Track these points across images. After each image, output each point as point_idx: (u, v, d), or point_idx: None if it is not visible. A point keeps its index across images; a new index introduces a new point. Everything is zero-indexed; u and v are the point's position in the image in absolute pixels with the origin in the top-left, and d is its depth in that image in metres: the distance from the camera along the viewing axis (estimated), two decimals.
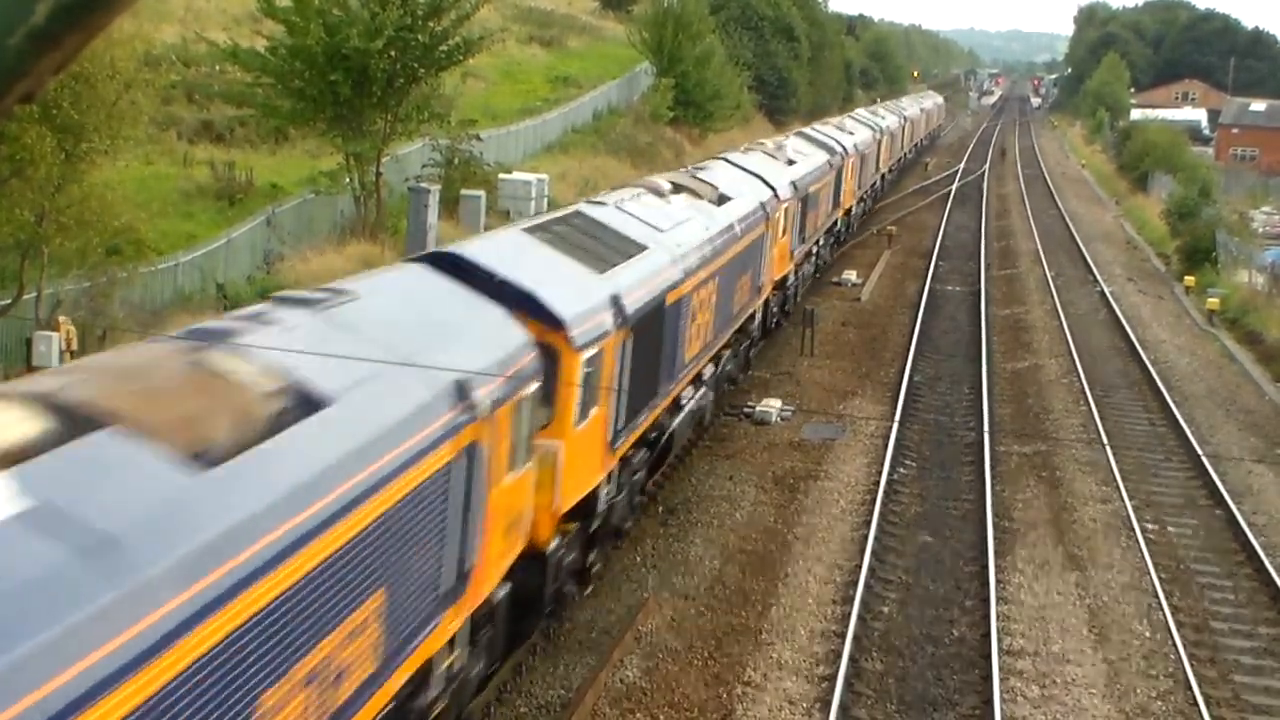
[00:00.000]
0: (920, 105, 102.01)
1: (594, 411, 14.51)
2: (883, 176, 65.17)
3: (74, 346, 22.20)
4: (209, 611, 6.62)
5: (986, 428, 25.93)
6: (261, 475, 7.66)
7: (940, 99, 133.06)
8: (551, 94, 62.05)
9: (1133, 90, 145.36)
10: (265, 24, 37.25)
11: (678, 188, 22.29)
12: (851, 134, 50.55)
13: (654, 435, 18.46)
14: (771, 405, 26.10)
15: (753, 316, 27.22)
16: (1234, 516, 21.86)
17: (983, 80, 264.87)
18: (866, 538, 19.60)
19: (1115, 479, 23.47)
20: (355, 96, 33.35)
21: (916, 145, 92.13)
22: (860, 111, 67.83)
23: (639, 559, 18.44)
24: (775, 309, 31.41)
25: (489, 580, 11.65)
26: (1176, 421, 27.41)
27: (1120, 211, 72.06)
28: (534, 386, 12.28)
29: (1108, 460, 24.47)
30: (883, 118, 67.33)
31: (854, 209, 50.36)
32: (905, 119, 79.29)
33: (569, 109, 59.66)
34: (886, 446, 24.26)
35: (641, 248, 17.68)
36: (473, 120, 43.54)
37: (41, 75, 2.68)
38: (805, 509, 21.07)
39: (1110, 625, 17.64)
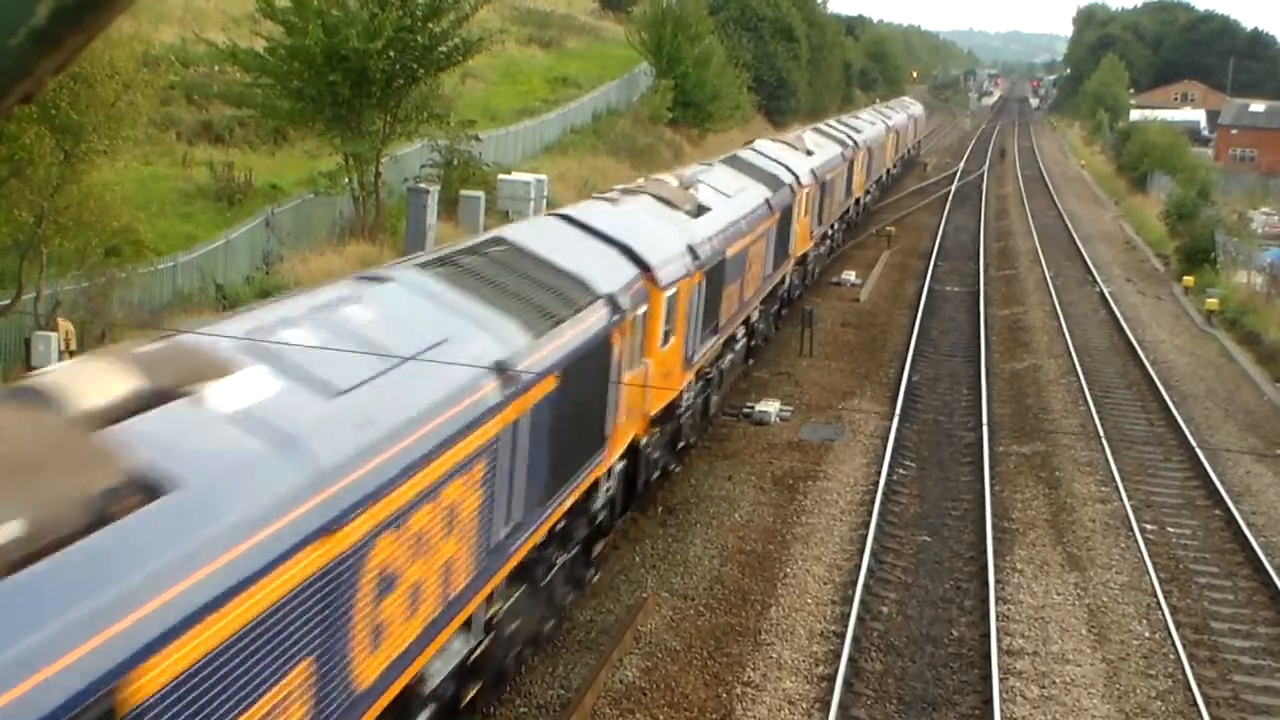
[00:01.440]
0: (887, 121, 69.40)
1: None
2: (803, 258, 36.34)
3: (73, 346, 22.21)
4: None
5: (985, 428, 25.94)
6: None
7: (919, 109, 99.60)
8: (551, 95, 62.07)
9: (1132, 91, 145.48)
10: (264, 24, 37.26)
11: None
12: (710, 209, 22.81)
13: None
14: (770, 405, 26.11)
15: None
16: (1233, 517, 21.87)
17: (982, 81, 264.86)
18: (865, 538, 19.61)
19: (1115, 479, 23.48)
20: (354, 97, 33.38)
21: (879, 181, 63.13)
22: (764, 146, 35.39)
23: (638, 559, 18.44)
24: None
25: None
26: (1175, 421, 27.42)
27: (1119, 212, 72.09)
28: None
29: (1107, 460, 24.49)
30: (810, 155, 38.31)
31: (710, 390, 23.30)
32: (855, 149, 48.30)
33: (568, 110, 59.68)
34: (885, 447, 24.27)
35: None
36: (472, 121, 43.57)
37: (42, 75, 2.69)
38: (804, 509, 21.08)
39: (1109, 625, 17.65)
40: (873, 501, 21.27)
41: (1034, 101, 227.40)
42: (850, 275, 42.85)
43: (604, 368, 14.80)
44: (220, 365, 8.31)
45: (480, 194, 39.33)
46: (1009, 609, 17.84)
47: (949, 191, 71.74)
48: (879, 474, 22.76)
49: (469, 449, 10.31)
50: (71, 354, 21.98)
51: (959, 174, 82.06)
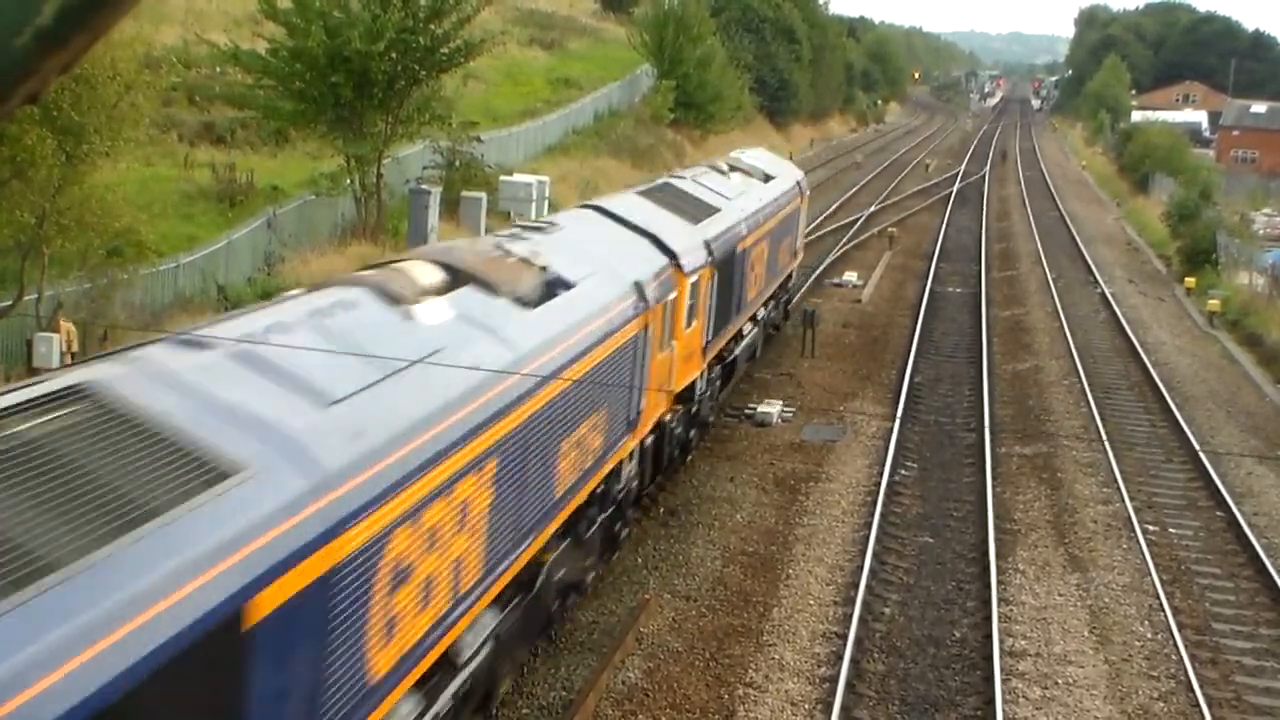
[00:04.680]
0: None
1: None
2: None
3: (74, 348, 22.22)
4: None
5: (987, 429, 25.93)
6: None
7: (787, 184, 31.28)
8: (552, 96, 62.10)
9: (1133, 92, 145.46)
10: (266, 26, 37.29)
11: None
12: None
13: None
14: (772, 407, 26.11)
15: None
16: (1235, 518, 21.87)
17: (983, 82, 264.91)
18: (868, 539, 19.60)
19: (1116, 480, 23.47)
20: (356, 98, 33.40)
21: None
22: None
23: (640, 560, 18.44)
24: None
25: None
26: (1177, 423, 27.42)
27: (1121, 213, 72.08)
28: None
29: (1109, 461, 24.48)
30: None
31: None
32: None
33: (570, 111, 59.71)
34: (887, 448, 24.26)
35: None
36: (473, 122, 43.56)
37: (47, 75, 2.69)
38: (806, 510, 21.08)
39: (1112, 626, 17.65)
40: (875, 503, 21.26)
41: (1035, 103, 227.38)
42: (852, 276, 42.86)
43: None
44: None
45: (482, 195, 39.36)
46: (1011, 610, 17.83)
47: (951, 193, 71.75)
48: (881, 475, 22.75)
49: None
50: (73, 356, 21.99)
51: (960, 175, 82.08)
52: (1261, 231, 58.54)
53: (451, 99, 40.66)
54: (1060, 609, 18.06)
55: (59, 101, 21.49)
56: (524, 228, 16.93)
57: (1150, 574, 19.33)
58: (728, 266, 22.25)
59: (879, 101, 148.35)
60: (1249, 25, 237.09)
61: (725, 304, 22.51)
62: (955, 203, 68.12)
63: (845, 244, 49.27)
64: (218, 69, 42.78)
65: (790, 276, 33.30)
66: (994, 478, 23.15)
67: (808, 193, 35.67)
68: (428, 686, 10.56)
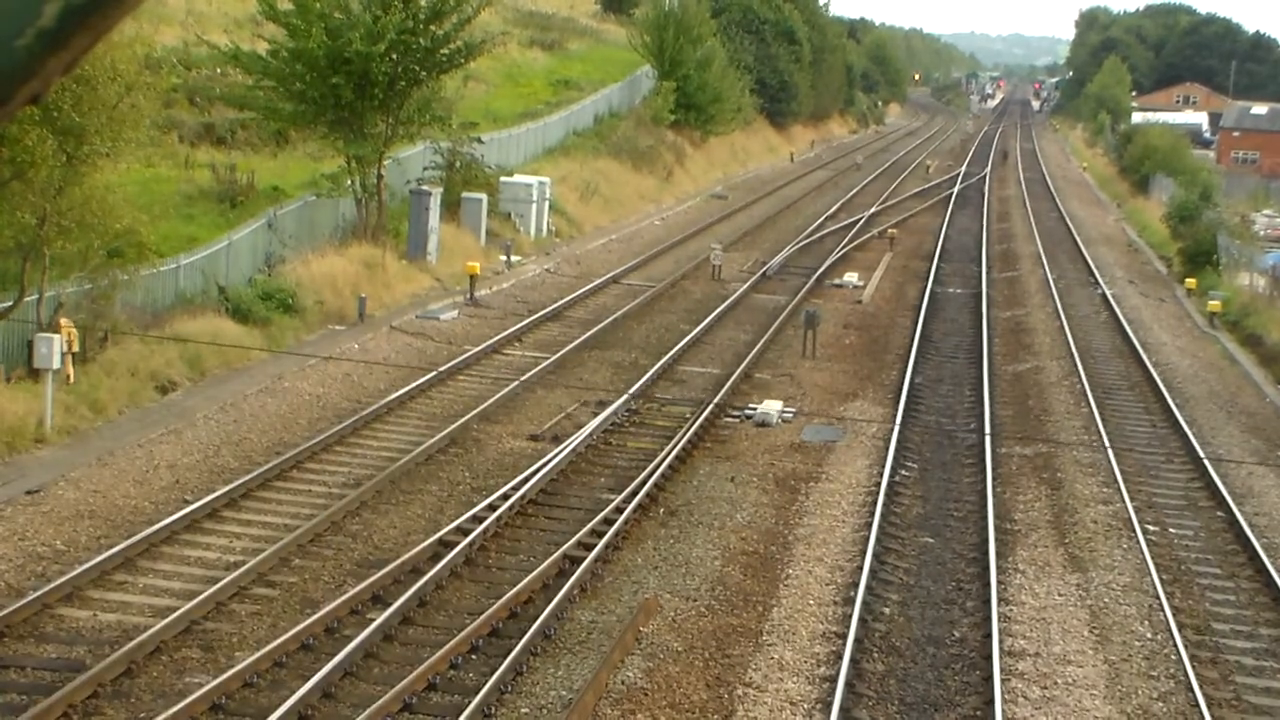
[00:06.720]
0: None
1: None
2: None
3: (75, 349, 22.24)
4: None
5: (988, 429, 25.94)
6: None
7: None
8: (553, 97, 62.12)
9: (1134, 94, 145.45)
10: (266, 27, 37.31)
11: None
12: None
13: None
14: (772, 407, 26.12)
15: None
16: (1235, 518, 21.88)
17: (984, 84, 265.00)
18: (868, 539, 19.61)
19: (1117, 480, 23.48)
20: (357, 99, 33.43)
21: None
22: None
23: (640, 560, 18.46)
24: None
25: None
26: (1178, 423, 27.43)
27: (1121, 214, 72.11)
28: None
29: (1109, 462, 24.49)
30: None
31: None
32: None
33: (570, 112, 59.73)
34: (888, 448, 24.27)
35: None
36: (474, 123, 43.61)
37: (49, 76, 2.70)
38: (806, 510, 21.09)
39: (1111, 626, 17.66)
40: (875, 503, 21.27)
41: (1036, 104, 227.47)
42: (853, 277, 42.87)
43: None
44: None
45: (482, 196, 39.44)
46: (1011, 610, 17.84)
47: (951, 194, 71.78)
48: (881, 475, 22.76)
49: None
50: (74, 356, 22.02)
51: (961, 176, 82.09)
52: (1262, 233, 58.55)
53: (452, 100, 40.70)
54: (1060, 609, 18.07)
55: (59, 102, 21.50)
56: None
57: (1150, 574, 19.34)
58: None
59: (879, 103, 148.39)
60: (1249, 27, 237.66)
61: None
62: (956, 204, 68.14)
63: (846, 245, 49.30)
64: (218, 70, 42.80)
65: None
66: (994, 478, 23.16)
67: None
68: None
